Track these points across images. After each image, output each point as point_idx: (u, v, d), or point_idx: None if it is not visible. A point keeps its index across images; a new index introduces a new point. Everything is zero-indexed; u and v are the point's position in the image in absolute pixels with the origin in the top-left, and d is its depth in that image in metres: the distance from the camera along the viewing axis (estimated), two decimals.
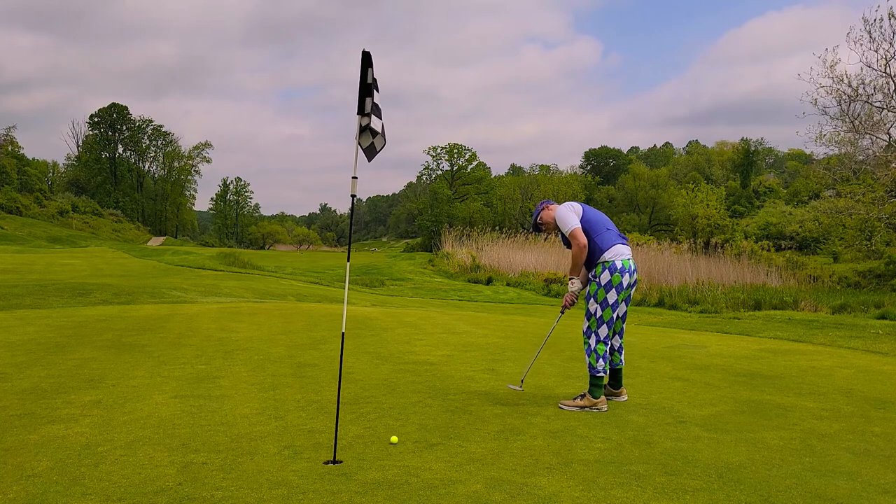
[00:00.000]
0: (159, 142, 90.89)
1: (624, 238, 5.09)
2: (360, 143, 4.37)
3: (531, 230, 5.48)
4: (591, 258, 4.95)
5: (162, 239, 71.49)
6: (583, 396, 4.89)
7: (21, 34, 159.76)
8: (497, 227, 46.21)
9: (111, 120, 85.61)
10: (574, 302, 5.09)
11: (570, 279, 5.08)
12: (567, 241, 5.02)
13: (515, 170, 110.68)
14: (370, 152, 4.50)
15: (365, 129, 4.34)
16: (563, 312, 5.18)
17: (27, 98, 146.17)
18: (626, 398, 5.15)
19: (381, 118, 4.35)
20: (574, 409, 4.80)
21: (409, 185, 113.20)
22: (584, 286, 5.08)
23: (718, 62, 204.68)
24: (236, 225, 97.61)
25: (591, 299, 4.93)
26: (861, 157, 22.06)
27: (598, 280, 4.92)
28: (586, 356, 4.92)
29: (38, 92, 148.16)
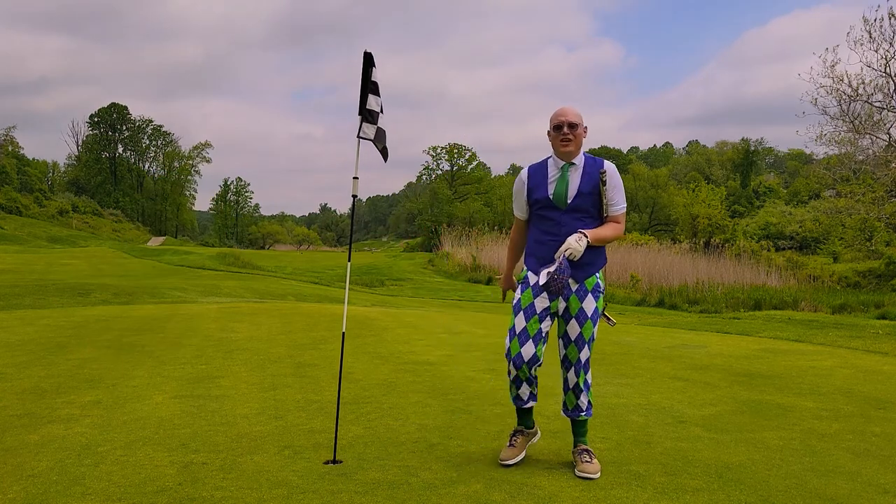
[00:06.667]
0: (159, 142, 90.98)
1: None
2: (375, 144, 4.36)
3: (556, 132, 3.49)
4: (600, 256, 3.60)
5: (162, 239, 71.45)
6: (590, 453, 3.53)
7: (43, 35, 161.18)
8: (497, 227, 46.21)
9: (111, 120, 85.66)
10: (565, 275, 3.37)
11: (583, 235, 3.41)
12: (589, 211, 3.51)
13: (515, 170, 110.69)
14: (385, 154, 4.50)
15: (379, 133, 4.33)
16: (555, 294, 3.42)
17: (46, 98, 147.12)
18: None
19: (375, 123, 4.32)
20: (598, 472, 3.44)
21: (409, 185, 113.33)
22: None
23: (738, 62, 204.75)
24: (236, 225, 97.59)
25: (598, 320, 3.57)
26: (861, 157, 22.05)
27: (603, 291, 3.58)
28: (585, 392, 3.62)
29: (58, 92, 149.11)
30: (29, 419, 4.38)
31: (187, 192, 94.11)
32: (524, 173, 3.67)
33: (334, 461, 3.59)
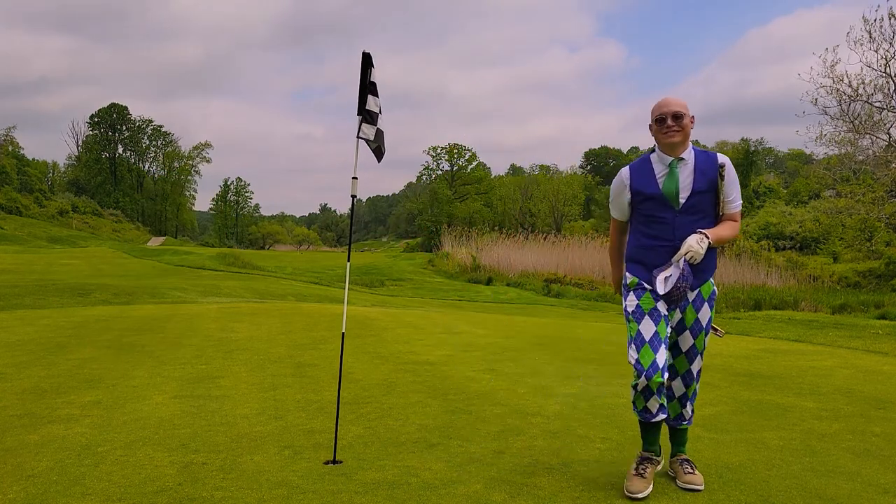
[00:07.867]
0: (159, 142, 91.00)
1: None
2: (368, 144, 4.36)
3: (659, 125, 3.20)
4: (713, 259, 3.30)
5: (162, 239, 71.43)
6: (690, 464, 3.32)
7: (43, 35, 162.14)
8: (497, 227, 46.25)
9: (111, 120, 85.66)
10: (686, 284, 3.08)
11: (704, 236, 3.09)
12: (706, 211, 3.20)
13: (515, 170, 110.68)
14: (378, 154, 4.49)
15: (378, 134, 4.32)
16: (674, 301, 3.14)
17: (47, 98, 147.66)
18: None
19: (374, 124, 4.31)
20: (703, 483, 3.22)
21: (409, 185, 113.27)
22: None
23: (739, 61, 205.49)
24: (236, 225, 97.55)
25: (710, 330, 3.33)
26: (861, 157, 22.05)
27: (715, 299, 3.33)
28: (691, 402, 3.38)
29: (58, 92, 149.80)
30: (29, 419, 4.38)
31: (187, 193, 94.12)
32: (625, 172, 3.31)
33: (334, 461, 3.59)
